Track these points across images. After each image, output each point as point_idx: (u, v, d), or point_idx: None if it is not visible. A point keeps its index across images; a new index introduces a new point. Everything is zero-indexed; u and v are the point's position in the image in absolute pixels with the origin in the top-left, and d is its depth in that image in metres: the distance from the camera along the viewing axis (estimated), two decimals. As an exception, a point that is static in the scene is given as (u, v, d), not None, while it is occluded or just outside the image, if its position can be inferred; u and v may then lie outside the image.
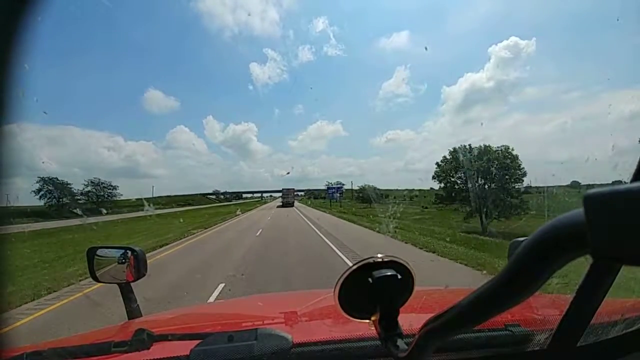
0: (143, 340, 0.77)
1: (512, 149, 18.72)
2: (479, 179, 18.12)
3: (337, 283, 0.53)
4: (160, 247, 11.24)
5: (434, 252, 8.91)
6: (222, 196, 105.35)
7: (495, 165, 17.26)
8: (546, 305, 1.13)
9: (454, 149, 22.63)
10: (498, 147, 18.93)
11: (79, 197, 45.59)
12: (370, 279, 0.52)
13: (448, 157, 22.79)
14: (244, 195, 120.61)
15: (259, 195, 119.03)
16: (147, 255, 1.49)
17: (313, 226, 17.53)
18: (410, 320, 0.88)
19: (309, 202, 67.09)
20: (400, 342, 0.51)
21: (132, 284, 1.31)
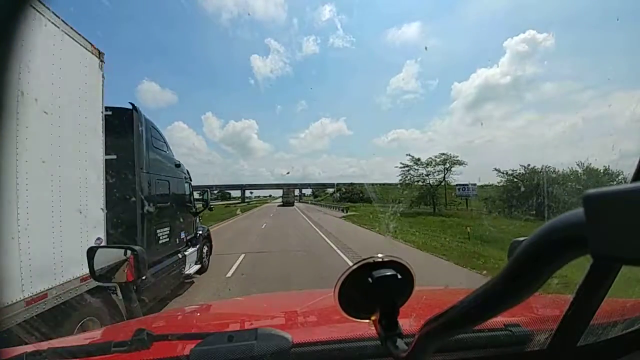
0: (143, 340, 0.77)
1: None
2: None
3: (337, 283, 0.53)
4: None
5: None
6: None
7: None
8: (546, 305, 1.13)
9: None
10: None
11: None
12: (370, 279, 0.52)
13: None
14: (233, 195, 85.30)
15: (240, 196, 79.75)
16: None
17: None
18: (410, 320, 0.88)
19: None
20: (400, 342, 0.51)
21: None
